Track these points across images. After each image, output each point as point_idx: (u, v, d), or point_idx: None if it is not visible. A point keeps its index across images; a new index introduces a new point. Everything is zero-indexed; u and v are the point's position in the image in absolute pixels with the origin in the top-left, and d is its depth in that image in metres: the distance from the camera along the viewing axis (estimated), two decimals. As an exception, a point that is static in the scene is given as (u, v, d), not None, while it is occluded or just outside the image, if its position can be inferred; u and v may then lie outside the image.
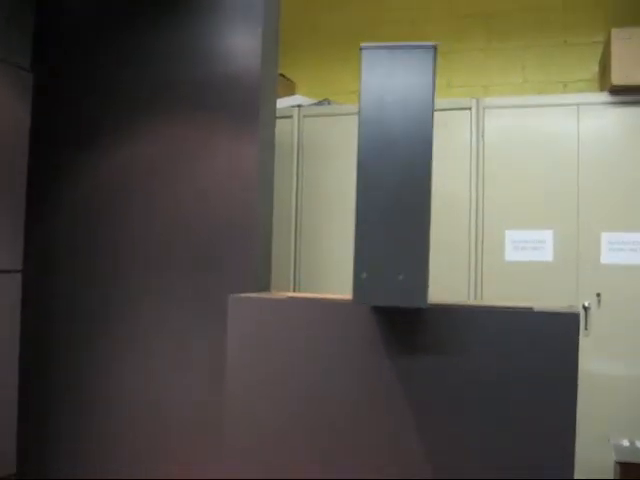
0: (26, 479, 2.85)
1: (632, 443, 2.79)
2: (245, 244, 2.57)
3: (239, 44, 2.67)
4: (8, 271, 2.77)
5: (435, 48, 1.31)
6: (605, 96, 3.34)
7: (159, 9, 2.78)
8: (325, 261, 3.65)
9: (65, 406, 2.85)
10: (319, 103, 3.85)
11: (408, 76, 1.31)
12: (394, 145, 1.31)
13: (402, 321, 1.58)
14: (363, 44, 1.35)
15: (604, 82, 3.49)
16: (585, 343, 3.14)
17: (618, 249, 3.21)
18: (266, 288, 2.64)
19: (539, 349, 1.46)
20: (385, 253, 1.32)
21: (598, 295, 3.22)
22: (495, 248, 3.41)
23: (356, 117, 3.65)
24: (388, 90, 1.32)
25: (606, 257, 3.23)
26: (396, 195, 1.31)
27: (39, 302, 2.90)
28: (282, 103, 3.77)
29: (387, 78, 1.33)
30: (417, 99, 1.30)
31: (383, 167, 1.31)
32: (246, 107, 2.62)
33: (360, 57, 1.35)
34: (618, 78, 3.22)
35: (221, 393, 1.90)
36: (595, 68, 3.84)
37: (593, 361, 3.16)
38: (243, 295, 1.85)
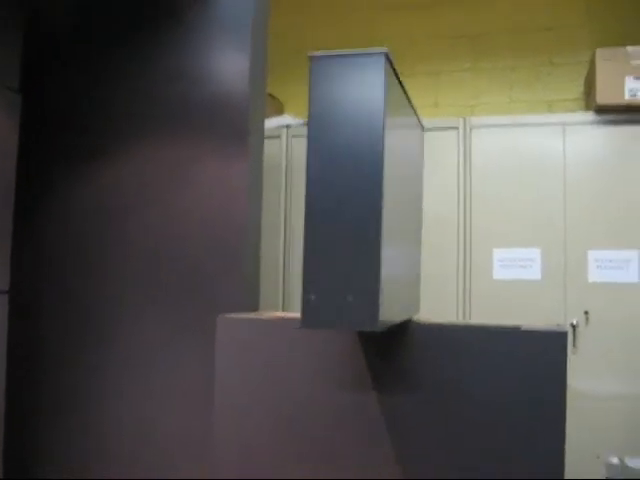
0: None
1: (622, 461, 2.78)
2: (233, 265, 2.57)
3: (227, 64, 2.68)
4: (-5, 292, 2.76)
5: (387, 55, 1.23)
6: (590, 115, 3.38)
7: (147, 30, 2.79)
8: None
9: (56, 427, 2.83)
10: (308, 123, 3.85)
11: (359, 85, 1.25)
12: (343, 159, 1.24)
13: (388, 340, 1.58)
14: (311, 53, 1.28)
15: (589, 102, 3.53)
16: (573, 361, 3.15)
17: (605, 267, 3.23)
18: (255, 308, 2.63)
19: (527, 368, 1.46)
20: (334, 273, 1.23)
21: (586, 313, 3.23)
22: (483, 266, 3.42)
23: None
24: (338, 101, 1.26)
25: (593, 275, 3.25)
26: (345, 212, 1.23)
27: (27, 323, 2.88)
28: (270, 123, 3.79)
29: (338, 88, 1.26)
30: (368, 109, 1.23)
31: (332, 182, 1.24)
32: (234, 127, 2.63)
33: (309, 67, 1.29)
34: (603, 98, 3.25)
35: (210, 414, 1.89)
36: (581, 88, 3.88)
37: (582, 379, 3.16)
38: (232, 316, 1.84)
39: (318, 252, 1.26)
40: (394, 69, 1.32)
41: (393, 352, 1.58)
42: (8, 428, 2.80)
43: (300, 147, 3.75)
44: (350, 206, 1.24)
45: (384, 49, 1.24)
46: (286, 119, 3.91)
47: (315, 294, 1.25)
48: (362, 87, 1.25)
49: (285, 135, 3.79)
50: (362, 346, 1.61)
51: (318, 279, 1.26)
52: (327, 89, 1.28)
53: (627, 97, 3.23)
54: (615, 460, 2.80)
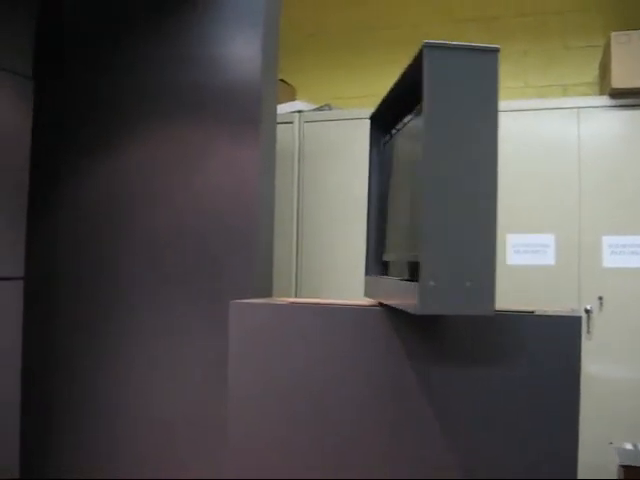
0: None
1: (635, 446, 2.78)
2: (247, 250, 2.58)
3: (239, 50, 2.68)
4: (10, 278, 2.77)
5: (498, 51, 1.29)
6: (605, 99, 3.34)
7: (160, 15, 2.79)
8: (326, 265, 3.65)
9: (68, 412, 2.85)
10: (320, 108, 3.86)
11: (473, 79, 1.29)
12: (459, 149, 1.28)
13: (405, 326, 1.58)
14: (427, 41, 1.30)
15: (604, 85, 3.50)
16: (587, 347, 3.14)
17: (619, 252, 3.21)
18: (268, 294, 2.64)
19: (541, 353, 1.46)
20: (453, 260, 1.27)
21: (600, 298, 3.22)
22: (497, 252, 3.41)
23: (357, 122, 3.63)
24: (452, 93, 1.29)
25: (607, 260, 3.23)
26: (462, 201, 1.27)
27: (41, 309, 2.91)
28: (283, 109, 3.78)
29: (451, 79, 1.30)
30: (483, 104, 1.28)
31: (447, 172, 1.27)
32: (247, 113, 2.63)
33: (423, 54, 1.30)
34: (618, 81, 3.22)
35: (224, 400, 1.90)
36: (595, 72, 3.84)
37: (595, 364, 3.15)
38: (245, 301, 1.85)
39: (436, 240, 1.29)
40: None
41: (407, 337, 1.58)
42: (24, 412, 2.83)
43: (312, 132, 3.74)
44: (466, 196, 1.28)
45: (496, 46, 1.29)
46: (298, 104, 3.90)
47: (434, 280, 1.28)
48: (476, 81, 1.29)
49: (297, 120, 3.78)
50: (378, 332, 1.61)
51: (437, 266, 1.28)
52: (441, 79, 1.30)
53: (643, 81, 3.20)
54: (628, 445, 2.80)
